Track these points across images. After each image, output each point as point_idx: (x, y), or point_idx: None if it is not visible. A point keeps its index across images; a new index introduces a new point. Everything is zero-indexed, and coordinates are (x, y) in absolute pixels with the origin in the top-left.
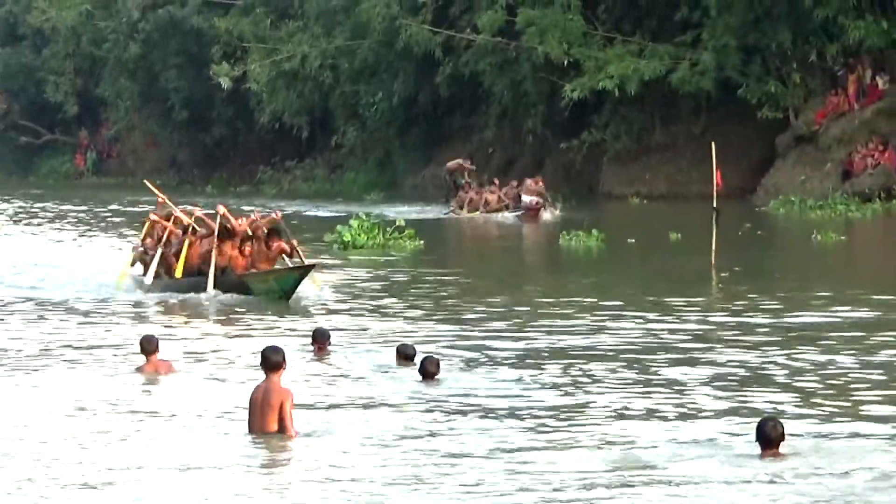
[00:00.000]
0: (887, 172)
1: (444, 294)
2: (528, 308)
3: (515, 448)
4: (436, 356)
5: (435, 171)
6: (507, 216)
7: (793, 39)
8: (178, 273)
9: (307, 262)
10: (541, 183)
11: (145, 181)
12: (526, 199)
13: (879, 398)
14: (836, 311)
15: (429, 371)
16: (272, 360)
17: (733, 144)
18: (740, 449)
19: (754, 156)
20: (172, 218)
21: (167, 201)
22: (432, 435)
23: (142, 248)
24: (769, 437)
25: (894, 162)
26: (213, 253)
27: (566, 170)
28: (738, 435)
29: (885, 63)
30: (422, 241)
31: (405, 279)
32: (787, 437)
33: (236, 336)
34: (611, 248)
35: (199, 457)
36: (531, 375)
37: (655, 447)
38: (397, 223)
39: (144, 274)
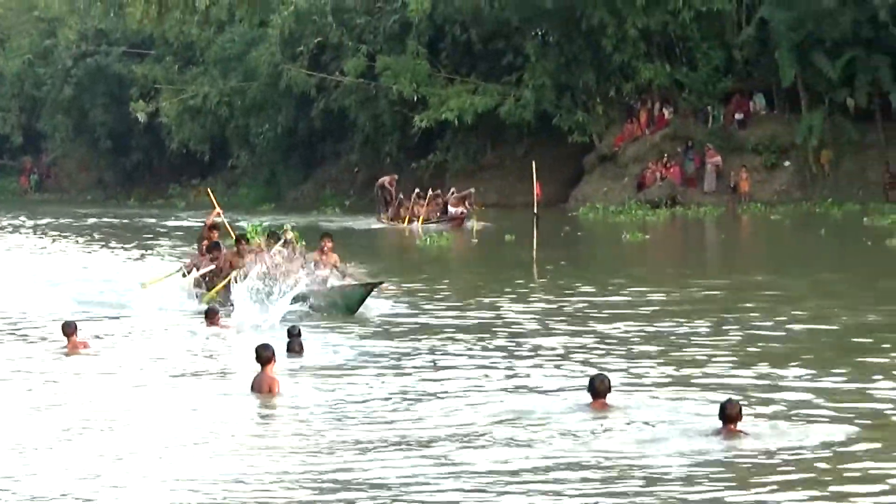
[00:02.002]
0: (672, 184)
1: None
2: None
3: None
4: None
5: (309, 188)
6: (433, 226)
7: (596, 79)
8: (212, 295)
9: (370, 280)
10: (464, 195)
11: (207, 189)
12: (451, 210)
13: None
14: (649, 292)
15: (294, 349)
16: (263, 355)
17: (549, 163)
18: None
19: (566, 172)
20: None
21: (221, 214)
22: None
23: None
24: (729, 415)
25: (677, 176)
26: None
27: (416, 185)
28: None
29: (670, 98)
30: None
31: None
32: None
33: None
34: (457, 248)
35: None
36: (377, 347)
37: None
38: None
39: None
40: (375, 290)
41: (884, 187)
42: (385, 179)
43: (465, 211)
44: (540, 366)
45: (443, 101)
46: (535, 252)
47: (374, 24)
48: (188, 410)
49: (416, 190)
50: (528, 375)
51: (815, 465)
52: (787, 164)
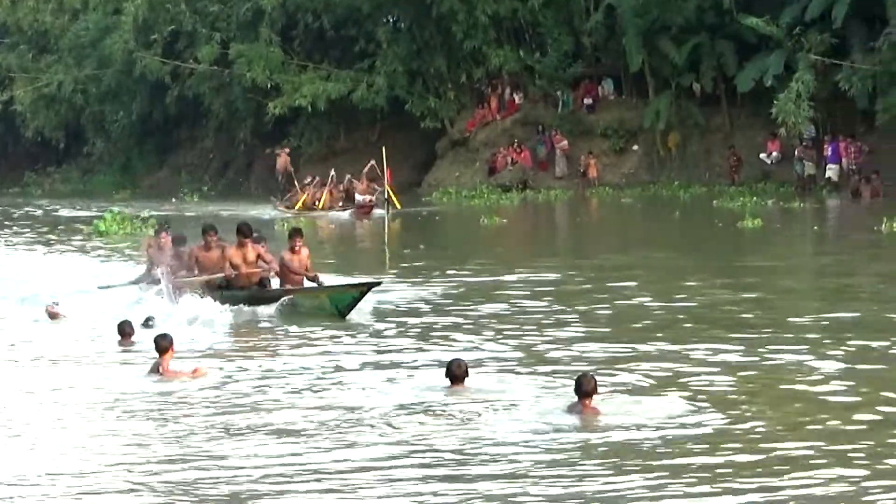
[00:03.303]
0: (523, 169)
1: None
2: None
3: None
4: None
5: (165, 174)
6: (341, 214)
7: (447, 65)
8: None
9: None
10: (371, 183)
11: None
12: (359, 197)
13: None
14: (510, 273)
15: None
16: (161, 345)
17: (402, 148)
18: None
19: (419, 157)
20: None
21: None
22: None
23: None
24: (585, 390)
25: (528, 161)
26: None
27: (271, 171)
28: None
29: (520, 83)
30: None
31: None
32: None
33: None
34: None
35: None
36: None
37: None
38: (143, 215)
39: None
40: (371, 290)
41: (729, 170)
42: (281, 161)
43: (373, 199)
44: (403, 349)
45: (296, 88)
46: (386, 234)
47: (227, 12)
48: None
49: (316, 178)
50: (390, 362)
51: (666, 438)
52: (635, 147)
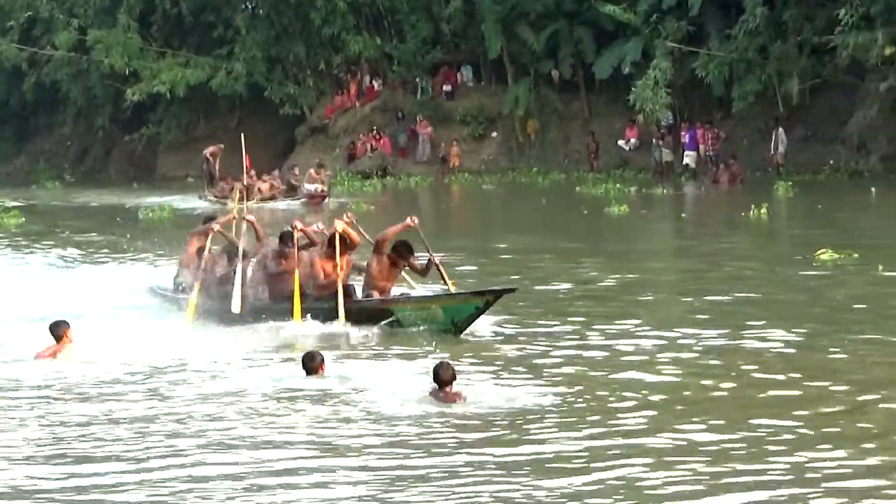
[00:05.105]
0: (383, 156)
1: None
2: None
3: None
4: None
5: (23, 162)
6: (292, 203)
7: (306, 51)
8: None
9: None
10: (322, 172)
11: None
12: (309, 187)
13: None
14: None
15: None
16: (55, 333)
17: (262, 134)
18: None
19: (279, 143)
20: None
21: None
22: None
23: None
24: (443, 378)
25: (387, 147)
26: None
27: (130, 158)
28: None
29: (379, 70)
30: (24, 219)
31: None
32: None
33: None
34: (178, 217)
35: None
36: None
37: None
38: (4, 204)
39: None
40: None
41: (588, 157)
42: (209, 150)
43: (324, 189)
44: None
45: (155, 75)
46: (244, 224)
47: None
48: None
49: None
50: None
51: (522, 425)
52: (494, 134)
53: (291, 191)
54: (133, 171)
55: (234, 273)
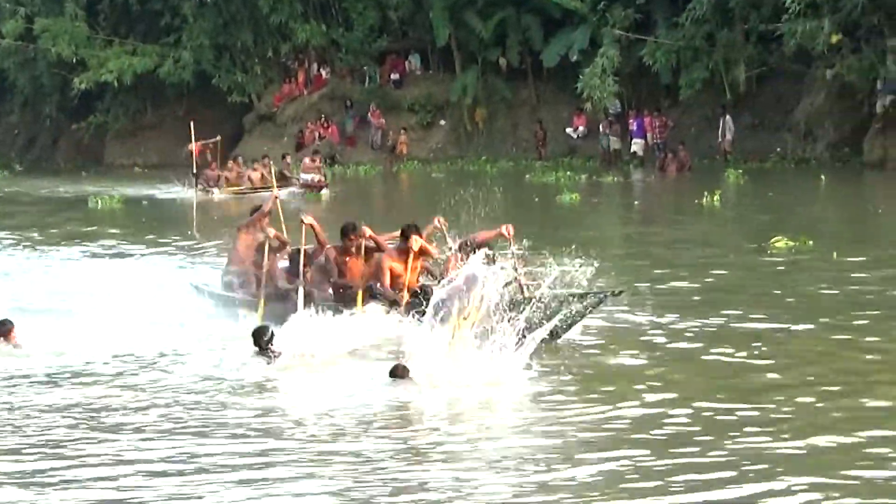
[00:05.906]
0: (330, 144)
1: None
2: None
3: None
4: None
5: None
6: (294, 191)
7: (254, 39)
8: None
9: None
10: (318, 161)
11: None
12: (305, 176)
13: None
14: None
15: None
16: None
17: (210, 123)
18: None
19: (227, 131)
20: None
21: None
22: None
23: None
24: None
25: (335, 136)
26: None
27: (77, 146)
28: None
29: (327, 58)
30: None
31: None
32: None
33: None
34: (129, 206)
35: None
36: None
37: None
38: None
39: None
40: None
41: (536, 145)
42: (198, 144)
43: (321, 178)
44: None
45: (102, 63)
46: (195, 213)
47: None
48: None
49: (238, 157)
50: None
51: (475, 413)
52: (442, 122)
53: (283, 180)
54: (81, 160)
55: (298, 276)
